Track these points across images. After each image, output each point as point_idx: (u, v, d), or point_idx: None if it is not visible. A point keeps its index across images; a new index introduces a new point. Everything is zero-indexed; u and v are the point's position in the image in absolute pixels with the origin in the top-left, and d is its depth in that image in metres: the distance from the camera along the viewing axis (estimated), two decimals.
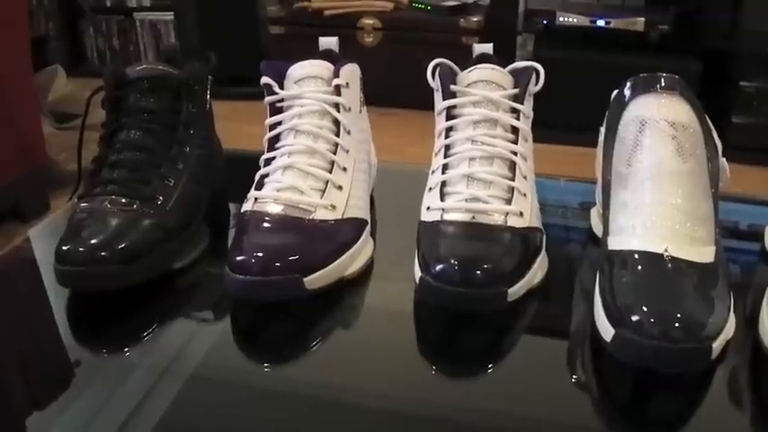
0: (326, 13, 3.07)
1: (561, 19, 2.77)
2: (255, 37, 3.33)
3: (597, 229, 0.82)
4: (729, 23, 2.81)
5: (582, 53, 2.74)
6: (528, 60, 0.80)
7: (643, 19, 2.73)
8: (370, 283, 0.77)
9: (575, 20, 2.76)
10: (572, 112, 2.28)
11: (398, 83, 2.68)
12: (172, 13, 3.70)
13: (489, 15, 3.02)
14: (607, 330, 0.62)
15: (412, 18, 3.07)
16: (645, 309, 0.60)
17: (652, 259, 0.65)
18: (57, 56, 3.60)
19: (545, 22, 2.78)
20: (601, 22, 2.75)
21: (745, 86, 2.60)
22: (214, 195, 0.88)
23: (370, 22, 3.05)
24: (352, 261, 0.75)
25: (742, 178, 1.05)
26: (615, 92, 0.76)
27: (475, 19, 2.97)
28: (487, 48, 0.88)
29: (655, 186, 0.68)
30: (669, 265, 0.64)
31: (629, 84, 0.74)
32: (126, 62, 0.85)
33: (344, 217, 0.75)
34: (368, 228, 0.79)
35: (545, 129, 1.55)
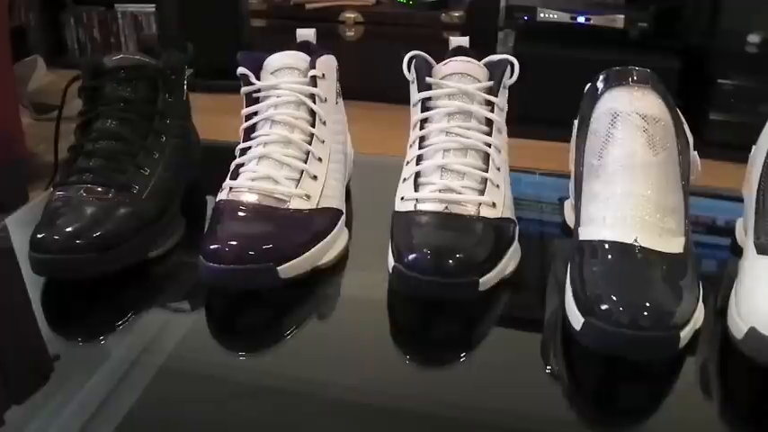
0: (308, 6, 3.07)
1: (542, 15, 2.78)
2: (238, 30, 3.33)
3: (570, 221, 0.82)
4: (708, 21, 2.84)
5: (562, 49, 2.75)
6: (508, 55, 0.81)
7: (623, 16, 2.74)
8: (345, 272, 0.77)
9: (555, 16, 2.77)
10: (552, 108, 2.29)
11: (379, 77, 2.67)
12: (153, 5, 3.69)
13: (471, 10, 3.03)
14: (577, 319, 0.63)
15: (393, 12, 3.08)
16: (614, 297, 0.61)
17: (622, 249, 0.65)
18: (37, 46, 3.58)
19: (526, 17, 2.80)
20: (581, 19, 2.76)
21: (723, 84, 2.62)
22: (191, 185, 0.88)
23: (352, 16, 3.05)
24: (326, 250, 0.75)
25: (718, 174, 1.06)
26: (588, 85, 0.77)
27: (456, 14, 2.98)
28: (464, 41, 0.88)
29: (625, 178, 0.69)
30: (639, 254, 0.65)
31: (601, 77, 0.75)
32: (107, 54, 0.85)
33: (319, 207, 0.76)
34: (343, 218, 0.80)
35: (525, 124, 1.55)
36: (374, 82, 2.74)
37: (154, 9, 3.72)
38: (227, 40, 3.19)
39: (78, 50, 3.89)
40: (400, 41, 2.91)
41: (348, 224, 0.83)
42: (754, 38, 2.80)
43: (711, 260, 0.84)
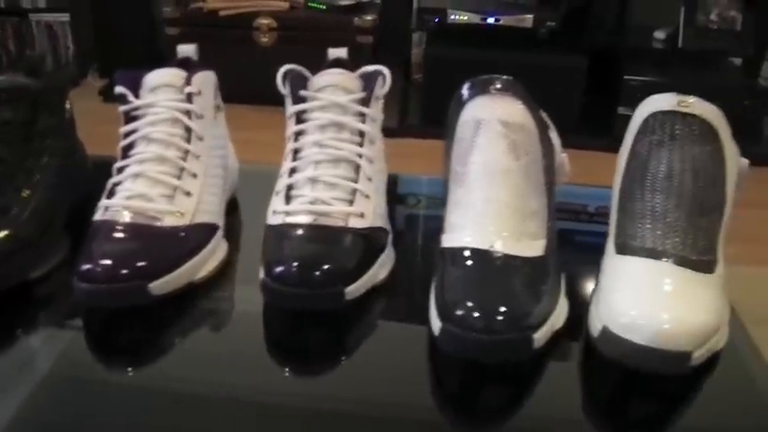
0: (222, 13, 3.06)
1: (452, 17, 2.81)
2: (153, 38, 3.31)
3: None
4: (616, 19, 2.90)
5: (472, 50, 2.78)
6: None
7: (531, 16, 2.79)
8: (222, 286, 0.78)
9: (465, 17, 2.81)
10: None
11: None
12: (68, 14, 3.65)
13: (383, 14, 3.05)
14: (436, 324, 0.65)
15: (307, 17, 3.08)
16: (469, 303, 0.63)
17: (480, 255, 0.68)
18: None
19: (437, 19, 2.82)
20: (491, 20, 2.80)
21: (630, 80, 2.69)
22: (79, 202, 0.88)
23: (266, 22, 3.05)
24: (201, 265, 0.77)
25: None
26: (456, 93, 0.79)
27: (369, 18, 3.00)
28: (342, 52, 0.90)
29: (486, 185, 0.71)
30: (497, 260, 0.67)
31: (466, 85, 0.77)
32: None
33: (193, 222, 0.77)
34: (220, 232, 0.81)
35: (437, 125, 1.57)
36: None
37: (68, 18, 3.68)
38: (143, 48, 3.18)
39: None
40: (314, 46, 2.91)
41: (235, 237, 0.84)
42: (660, 34, 2.87)
43: (592, 251, 0.86)
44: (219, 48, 2.94)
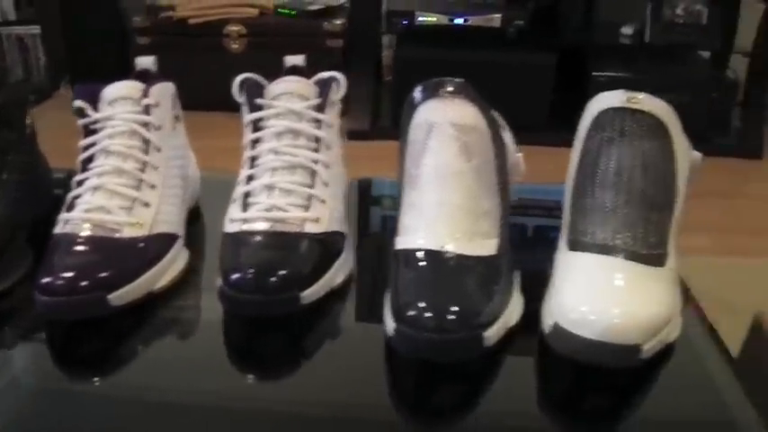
0: (191, 21, 3.06)
1: (420, 18, 2.82)
2: (124, 48, 3.30)
3: None
4: (583, 16, 2.92)
5: (441, 51, 2.79)
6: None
7: (499, 15, 2.80)
8: (183, 295, 0.79)
9: (434, 18, 2.82)
10: None
11: None
12: (38, 26, 3.64)
13: (352, 17, 3.06)
14: (390, 326, 0.66)
15: (277, 23, 3.09)
16: (421, 304, 0.64)
17: (432, 256, 0.69)
18: None
19: (405, 21, 2.84)
20: (459, 21, 2.82)
21: (597, 76, 2.71)
22: (44, 216, 0.88)
23: (236, 28, 3.05)
24: (161, 275, 0.77)
25: None
26: (408, 96, 0.80)
27: (338, 22, 3.01)
28: (298, 59, 0.91)
29: (438, 187, 0.72)
30: (449, 260, 0.68)
31: (418, 88, 0.78)
32: None
33: (152, 233, 0.78)
34: (180, 241, 0.82)
35: None
36: None
37: (39, 31, 3.67)
38: (114, 58, 3.18)
39: None
40: (284, 51, 2.91)
41: (197, 246, 0.85)
42: (627, 30, 2.89)
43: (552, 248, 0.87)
44: (190, 56, 2.95)
